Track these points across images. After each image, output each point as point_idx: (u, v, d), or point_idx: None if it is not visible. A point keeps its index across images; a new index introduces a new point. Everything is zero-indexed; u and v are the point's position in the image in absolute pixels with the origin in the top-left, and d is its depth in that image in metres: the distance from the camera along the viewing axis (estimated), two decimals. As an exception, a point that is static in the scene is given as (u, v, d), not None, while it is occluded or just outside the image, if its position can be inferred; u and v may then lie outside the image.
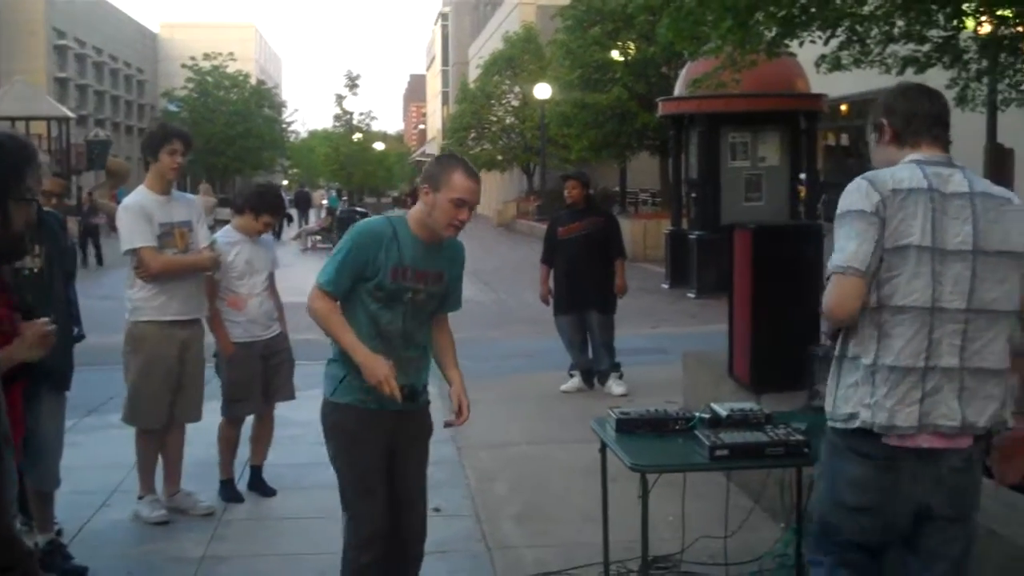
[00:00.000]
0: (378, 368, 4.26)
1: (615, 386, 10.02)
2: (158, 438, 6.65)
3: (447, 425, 4.85)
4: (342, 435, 4.52)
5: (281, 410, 7.31)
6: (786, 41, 10.75)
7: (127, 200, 6.60)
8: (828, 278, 3.45)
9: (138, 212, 6.37)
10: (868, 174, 3.51)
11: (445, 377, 4.73)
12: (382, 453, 4.53)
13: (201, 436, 7.08)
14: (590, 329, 10.16)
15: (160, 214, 6.42)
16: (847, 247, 3.39)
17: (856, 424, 3.43)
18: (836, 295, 3.41)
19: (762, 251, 7.09)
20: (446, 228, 4.37)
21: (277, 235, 40.71)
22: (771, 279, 6.98)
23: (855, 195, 3.45)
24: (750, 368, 6.90)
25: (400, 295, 4.40)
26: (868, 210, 3.39)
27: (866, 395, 3.42)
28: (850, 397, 3.47)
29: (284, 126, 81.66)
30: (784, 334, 6.71)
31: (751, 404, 4.90)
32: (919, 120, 3.59)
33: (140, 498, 6.61)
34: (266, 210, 6.95)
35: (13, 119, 34.98)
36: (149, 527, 6.43)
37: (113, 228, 6.26)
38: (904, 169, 3.49)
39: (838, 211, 3.49)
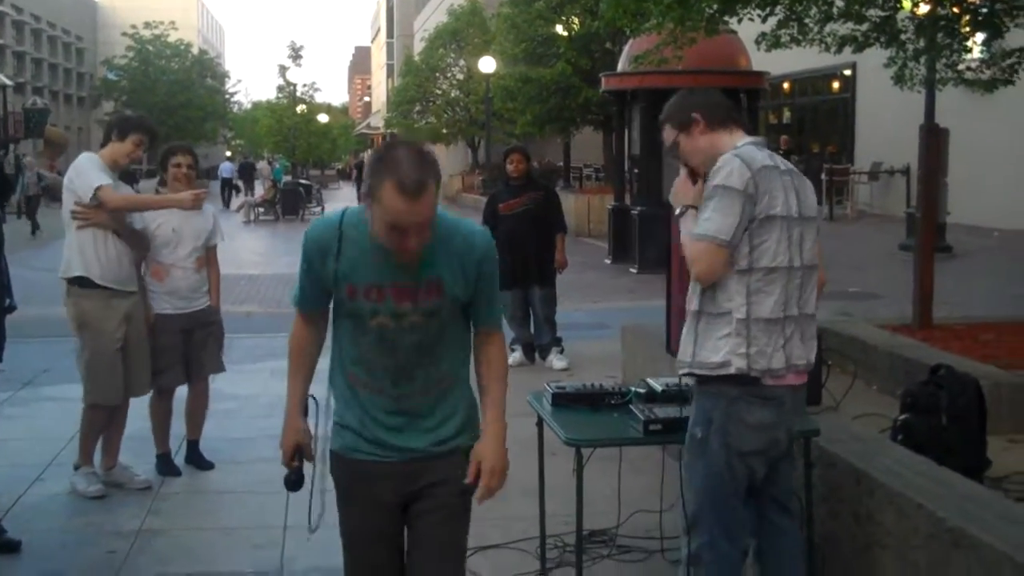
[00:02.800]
0: (285, 435, 3.56)
1: (556, 360, 10.08)
2: (111, 413, 6.59)
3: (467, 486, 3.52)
4: (335, 488, 3.59)
5: (217, 384, 7.29)
6: (725, 18, 10.78)
7: (89, 153, 6.53)
8: (696, 240, 3.86)
9: (98, 163, 6.32)
10: (738, 151, 3.93)
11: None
12: (382, 514, 3.52)
13: (135, 410, 7.02)
14: (532, 304, 10.20)
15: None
16: (720, 221, 3.82)
17: (730, 371, 3.88)
18: (709, 263, 3.85)
19: (700, 228, 7.15)
20: (396, 253, 3.18)
21: (226, 204, 40.89)
22: (708, 256, 7.05)
23: (730, 171, 3.86)
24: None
25: (365, 318, 3.33)
26: (740, 188, 3.82)
27: (739, 345, 3.87)
28: (720, 348, 3.90)
29: (227, 97, 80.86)
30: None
31: (686, 380, 4.96)
32: (723, 109, 4.12)
33: (76, 468, 6.56)
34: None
35: (-53, 86, 34.31)
36: (84, 501, 6.39)
37: (55, 199, 6.22)
38: (755, 150, 3.96)
39: (714, 182, 3.88)
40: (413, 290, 3.27)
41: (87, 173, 6.28)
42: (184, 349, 6.91)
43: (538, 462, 5.26)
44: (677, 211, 4.12)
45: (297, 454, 3.56)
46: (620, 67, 20.28)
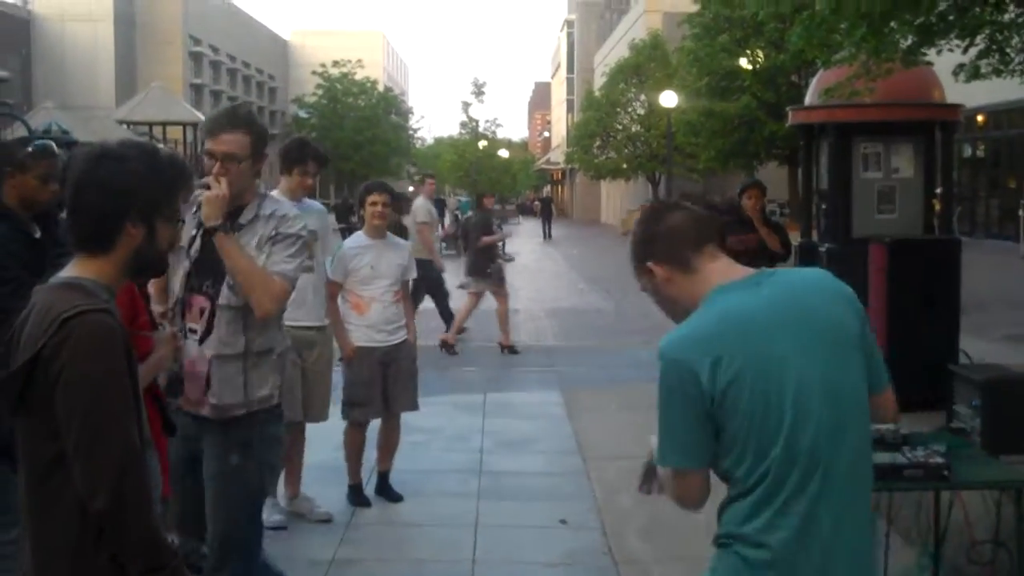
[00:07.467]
0: None
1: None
2: (292, 436, 6.73)
3: None
4: None
5: (405, 416, 7.37)
6: (923, 49, 10.50)
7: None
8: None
9: None
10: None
11: None
12: None
13: (327, 440, 7.18)
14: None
15: None
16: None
17: (274, 402, 4.28)
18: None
19: (898, 266, 6.95)
20: None
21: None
22: (907, 295, 6.85)
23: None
24: (886, 386, 6.76)
25: None
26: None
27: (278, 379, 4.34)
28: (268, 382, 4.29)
29: (411, 132, 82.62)
30: (920, 351, 6.56)
31: (888, 424, 4.78)
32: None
33: None
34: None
35: (151, 124, 36.01)
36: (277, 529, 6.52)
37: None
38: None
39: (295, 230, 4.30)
40: None
41: None
42: (382, 383, 7.03)
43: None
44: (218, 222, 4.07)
45: None
46: (808, 100, 19.90)
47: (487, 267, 14.02)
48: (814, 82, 19.53)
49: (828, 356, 2.63)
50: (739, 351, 2.56)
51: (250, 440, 4.19)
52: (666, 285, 2.78)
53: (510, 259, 26.66)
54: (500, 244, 14.15)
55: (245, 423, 4.17)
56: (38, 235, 4.93)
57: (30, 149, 5.10)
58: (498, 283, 14.05)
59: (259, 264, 4.12)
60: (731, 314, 2.63)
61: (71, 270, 2.79)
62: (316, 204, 7.08)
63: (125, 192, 2.76)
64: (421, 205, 14.58)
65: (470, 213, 41.95)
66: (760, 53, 32.10)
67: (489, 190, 16.37)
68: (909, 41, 10.13)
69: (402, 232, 14.23)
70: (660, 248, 2.79)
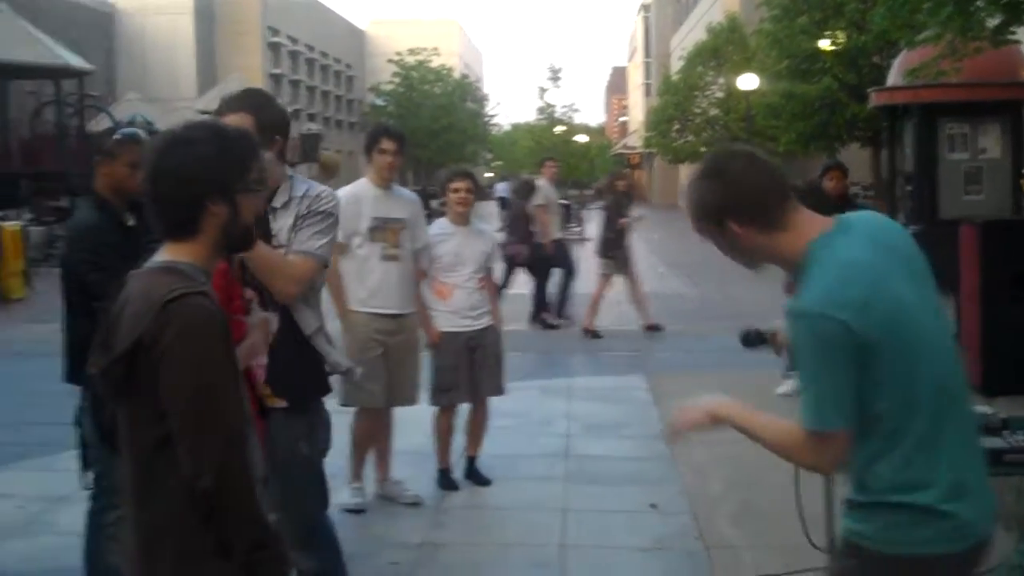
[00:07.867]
0: None
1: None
2: (375, 421, 6.81)
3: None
4: None
5: (492, 401, 7.40)
6: (1011, 28, 10.27)
7: (344, 190, 6.77)
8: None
9: (343, 205, 6.55)
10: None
11: None
12: None
13: (417, 425, 7.24)
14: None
15: (375, 208, 6.56)
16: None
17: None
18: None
19: (991, 247, 6.84)
20: None
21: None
22: (1000, 277, 6.73)
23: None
24: (980, 370, 6.64)
25: None
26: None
27: None
28: None
29: (487, 119, 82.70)
30: (1016, 334, 6.45)
31: (986, 408, 4.71)
32: None
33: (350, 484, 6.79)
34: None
35: (232, 114, 36.53)
36: (370, 513, 6.58)
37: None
38: None
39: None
40: None
41: None
42: (469, 368, 7.06)
43: (824, 490, 5.10)
44: None
45: None
46: (891, 81, 19.62)
47: (614, 249, 14.06)
48: (897, 63, 19.32)
49: (924, 289, 2.75)
50: (876, 295, 2.61)
51: (315, 425, 4.25)
52: (744, 240, 2.80)
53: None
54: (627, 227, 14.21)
55: (304, 409, 4.21)
56: (131, 223, 5.01)
57: (117, 137, 5.17)
58: (620, 266, 14.10)
59: (290, 240, 4.11)
60: (852, 262, 2.66)
61: (165, 254, 2.80)
62: (407, 192, 7.12)
63: (199, 176, 2.77)
64: (541, 188, 15.00)
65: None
66: (841, 34, 31.58)
67: (618, 173, 16.37)
68: (996, 19, 9.91)
69: (525, 220, 14.45)
70: (744, 210, 2.78)
